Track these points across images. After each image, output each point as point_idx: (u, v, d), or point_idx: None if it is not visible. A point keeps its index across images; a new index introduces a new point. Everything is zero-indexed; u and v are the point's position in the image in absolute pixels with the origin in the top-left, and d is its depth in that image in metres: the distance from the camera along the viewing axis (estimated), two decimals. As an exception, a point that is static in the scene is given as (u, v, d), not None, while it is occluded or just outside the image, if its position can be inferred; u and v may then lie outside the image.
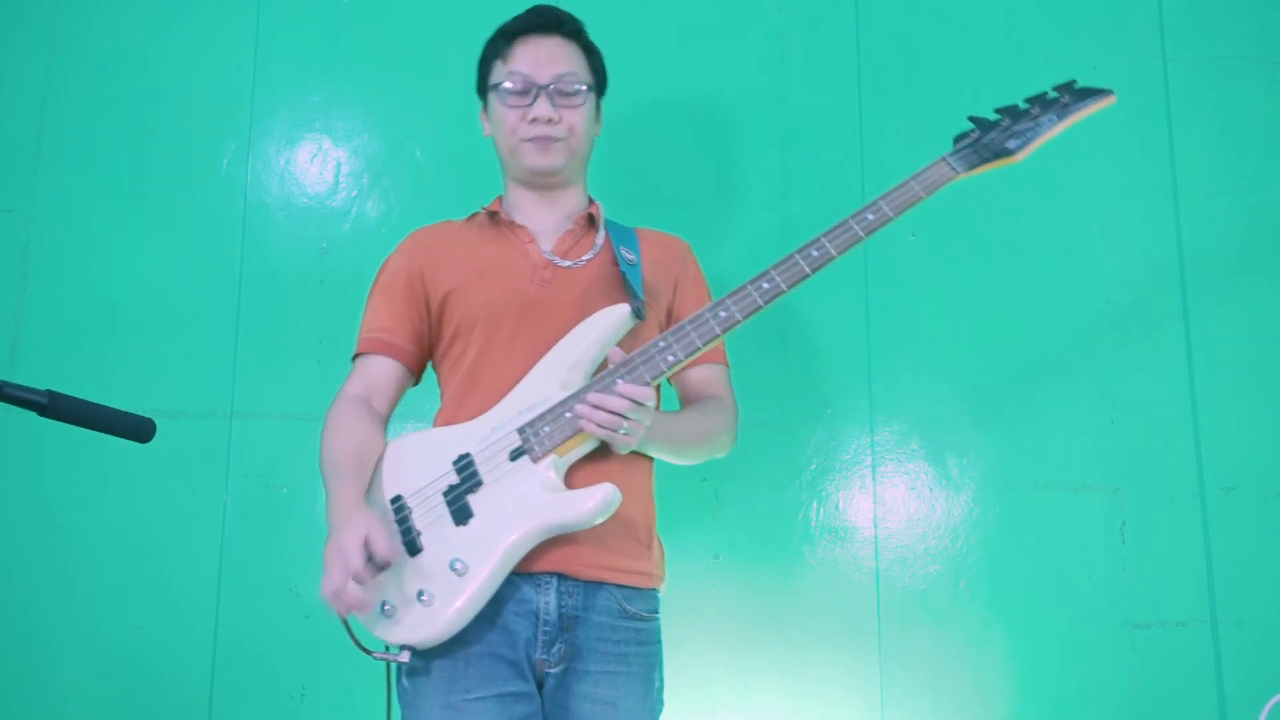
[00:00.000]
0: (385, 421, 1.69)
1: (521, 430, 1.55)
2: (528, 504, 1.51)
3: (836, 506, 2.31)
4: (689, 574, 2.22)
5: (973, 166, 1.63)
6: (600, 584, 1.56)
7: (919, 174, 1.63)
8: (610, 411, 1.50)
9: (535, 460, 1.53)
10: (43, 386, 1.14)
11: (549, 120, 1.69)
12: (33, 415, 1.12)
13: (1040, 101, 1.69)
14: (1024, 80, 2.50)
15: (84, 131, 2.45)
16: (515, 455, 1.54)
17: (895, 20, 2.51)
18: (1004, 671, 2.24)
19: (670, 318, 1.76)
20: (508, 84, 1.71)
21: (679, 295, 1.79)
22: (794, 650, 2.24)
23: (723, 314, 1.58)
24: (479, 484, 1.54)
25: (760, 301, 1.57)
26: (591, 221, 1.77)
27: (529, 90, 1.70)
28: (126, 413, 1.21)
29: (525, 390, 1.59)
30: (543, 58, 1.71)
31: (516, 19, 1.76)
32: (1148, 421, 2.35)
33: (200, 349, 2.35)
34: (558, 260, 1.70)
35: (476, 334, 1.64)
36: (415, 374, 1.75)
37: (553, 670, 1.52)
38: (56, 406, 1.12)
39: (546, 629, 1.52)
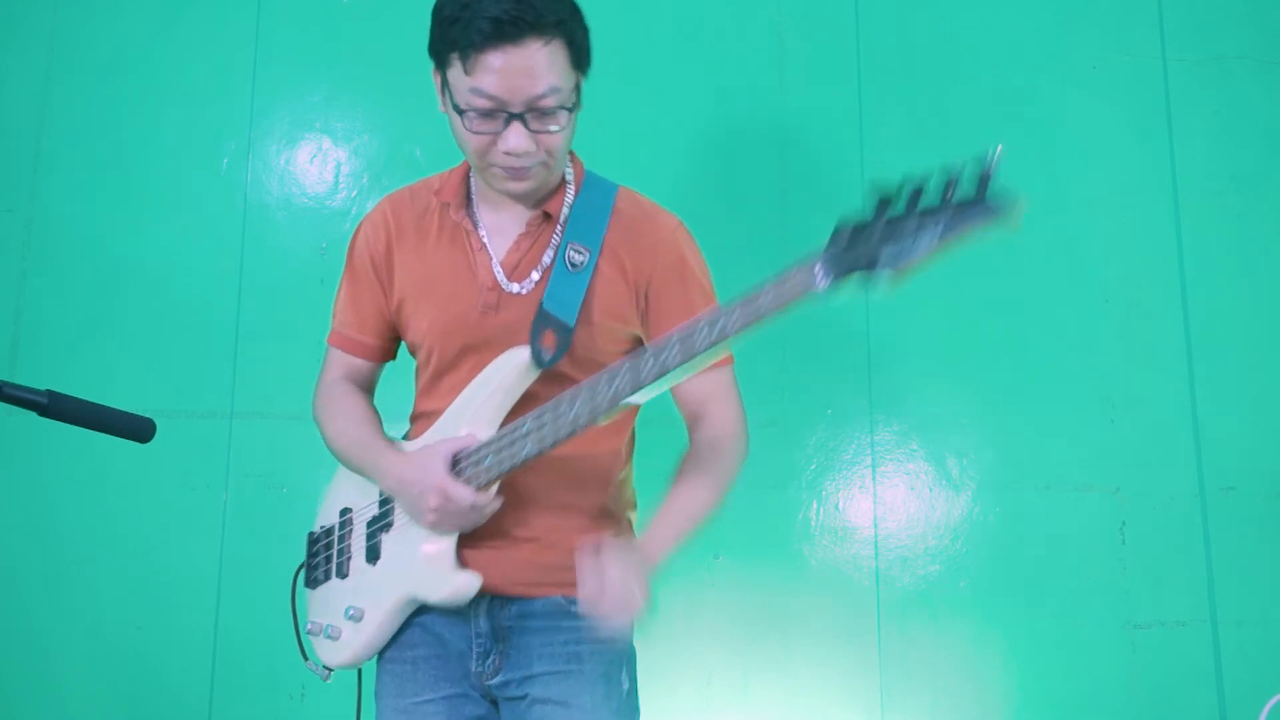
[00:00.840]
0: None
1: None
2: (406, 569, 1.45)
3: (836, 506, 2.31)
4: (689, 574, 2.22)
5: (839, 277, 1.28)
6: (534, 598, 1.48)
7: (778, 281, 1.26)
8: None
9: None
10: (43, 386, 1.14)
11: (525, 152, 1.39)
12: (33, 415, 1.12)
13: (918, 209, 1.28)
14: (1024, 80, 2.52)
15: (84, 131, 2.44)
16: None
17: (895, 20, 2.50)
18: (1004, 671, 2.24)
19: (648, 329, 1.53)
20: (472, 105, 1.38)
21: (653, 304, 1.52)
22: (794, 650, 2.24)
23: (574, 412, 1.35)
24: (390, 525, 1.50)
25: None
26: (548, 219, 1.51)
27: (498, 114, 1.38)
28: (126, 413, 1.21)
29: (439, 431, 1.48)
30: (516, 75, 1.35)
31: (483, 11, 1.34)
32: (1148, 421, 2.35)
33: (200, 349, 2.35)
34: (504, 283, 1.49)
35: (426, 353, 1.55)
36: (391, 355, 1.67)
37: (492, 681, 1.47)
38: (56, 406, 1.12)
39: (480, 641, 1.47)
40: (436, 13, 1.44)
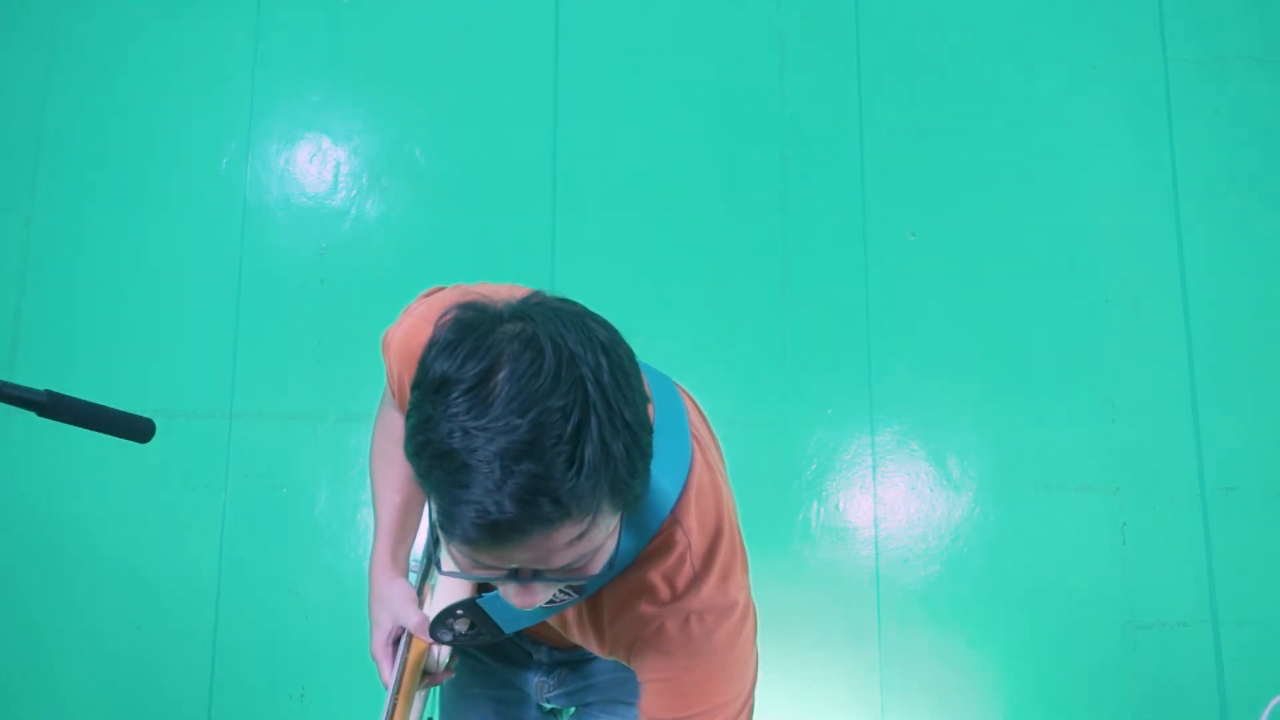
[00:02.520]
0: None
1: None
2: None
3: (836, 506, 2.31)
4: (689, 574, 2.22)
5: None
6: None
7: None
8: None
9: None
10: (43, 386, 1.13)
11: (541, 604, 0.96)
12: (32, 415, 1.12)
13: None
14: (1024, 80, 2.52)
15: (84, 131, 2.44)
16: None
17: (895, 20, 2.50)
18: (1004, 671, 2.24)
19: None
20: (447, 564, 1.00)
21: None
22: (794, 650, 2.23)
23: None
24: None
25: None
26: None
27: (503, 574, 0.91)
28: (126, 413, 1.20)
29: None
30: (526, 559, 0.87)
31: (471, 506, 0.81)
32: (1148, 421, 2.35)
33: (200, 349, 2.35)
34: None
35: None
36: None
37: (554, 693, 1.44)
38: (56, 406, 1.11)
39: (541, 667, 1.44)
40: (410, 439, 0.85)
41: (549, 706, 1.47)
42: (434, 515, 0.85)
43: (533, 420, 0.78)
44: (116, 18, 2.49)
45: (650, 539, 1.02)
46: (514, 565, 0.87)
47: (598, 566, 0.91)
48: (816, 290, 2.39)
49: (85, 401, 1.14)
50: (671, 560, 1.02)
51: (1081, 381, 2.36)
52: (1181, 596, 2.28)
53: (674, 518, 1.02)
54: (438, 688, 1.39)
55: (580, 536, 0.84)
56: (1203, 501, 2.32)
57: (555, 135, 2.44)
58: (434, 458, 0.81)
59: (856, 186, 2.42)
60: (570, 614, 1.14)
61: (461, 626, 1.14)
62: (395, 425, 1.34)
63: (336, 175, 2.45)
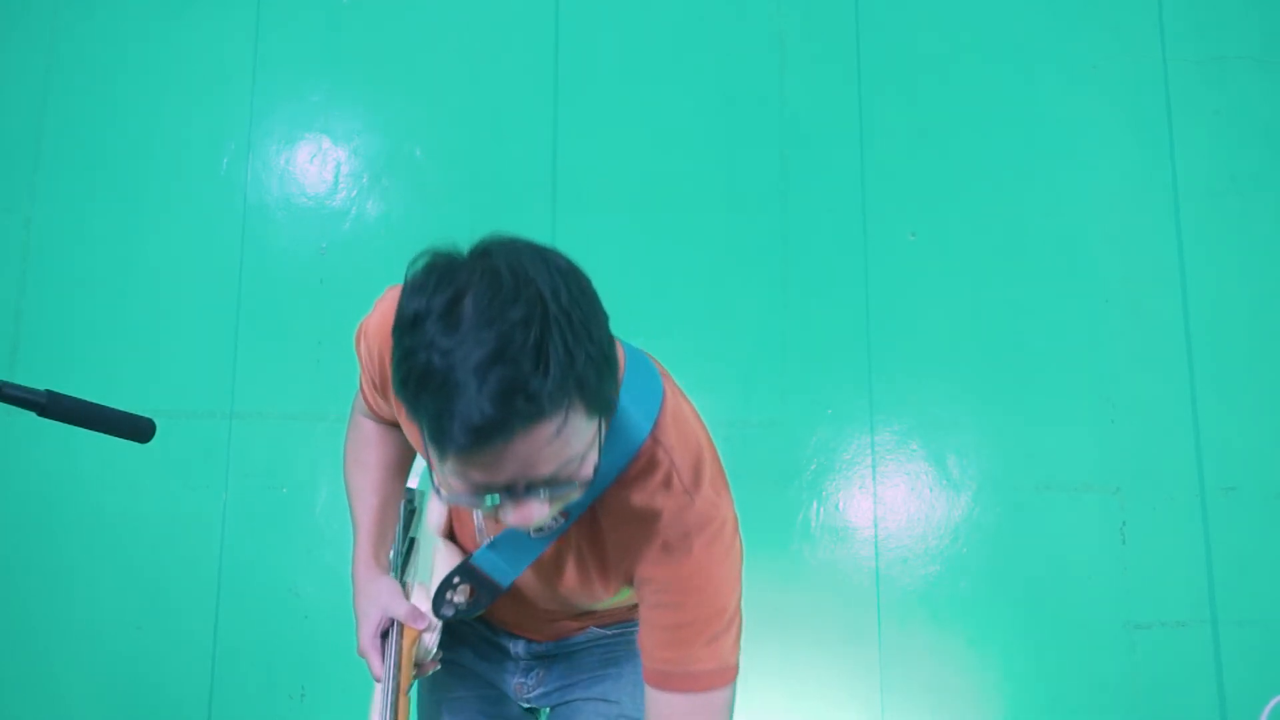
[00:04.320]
0: None
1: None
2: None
3: (836, 506, 2.31)
4: (689, 574, 2.22)
5: None
6: (572, 636, 1.40)
7: None
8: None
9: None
10: (43, 386, 1.14)
11: (532, 524, 1.00)
12: (32, 415, 1.12)
13: None
14: (1024, 80, 2.52)
15: (84, 131, 2.44)
16: None
17: (895, 20, 2.51)
18: (1004, 671, 2.24)
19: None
20: (450, 487, 0.98)
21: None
22: (794, 650, 2.24)
23: None
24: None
25: None
26: None
27: (481, 494, 0.97)
28: (126, 413, 1.20)
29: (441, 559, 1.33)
30: (509, 466, 0.93)
31: (457, 416, 0.88)
32: (1148, 421, 2.35)
33: (200, 349, 2.35)
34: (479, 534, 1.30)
35: None
36: None
37: (534, 694, 1.44)
38: (56, 406, 1.11)
39: (521, 663, 1.44)
40: (397, 346, 0.93)
41: (527, 706, 1.48)
42: (427, 443, 0.93)
43: (498, 331, 0.87)
44: (116, 18, 2.49)
45: (632, 458, 1.09)
46: (505, 478, 0.93)
47: (583, 475, 0.97)
48: (816, 290, 2.40)
49: (85, 401, 1.14)
50: (658, 478, 1.10)
51: (1081, 381, 2.36)
52: (1181, 596, 2.28)
53: (653, 438, 1.10)
54: (414, 694, 1.39)
55: (557, 434, 0.91)
56: (1202, 501, 2.32)
57: (555, 135, 2.44)
58: (419, 381, 0.89)
59: (856, 186, 2.42)
60: (570, 560, 1.18)
61: (461, 597, 1.17)
62: (367, 431, 1.39)
63: (336, 175, 2.45)
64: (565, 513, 1.11)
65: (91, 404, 1.15)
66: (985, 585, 2.28)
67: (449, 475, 0.95)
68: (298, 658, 2.24)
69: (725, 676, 1.13)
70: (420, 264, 0.94)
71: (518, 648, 1.43)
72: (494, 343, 0.87)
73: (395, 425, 1.38)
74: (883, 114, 2.46)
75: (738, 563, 1.14)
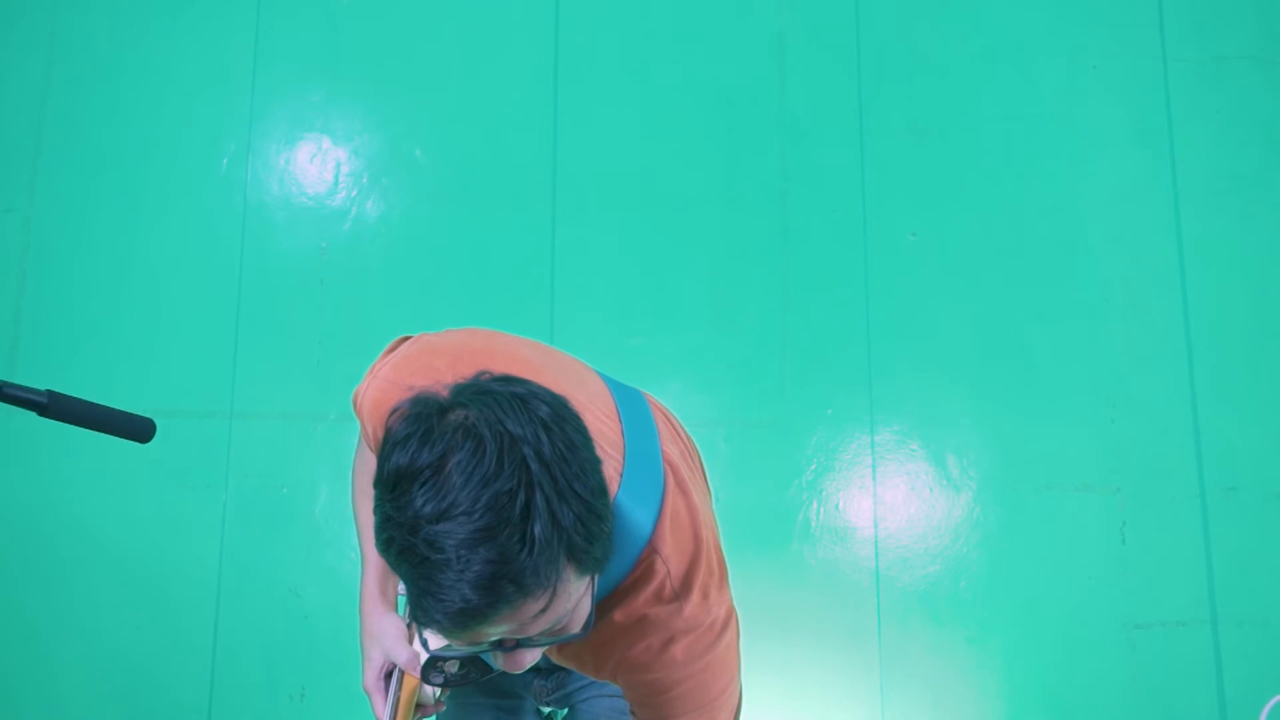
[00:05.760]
0: None
1: None
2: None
3: (836, 506, 2.31)
4: (689, 574, 2.22)
5: None
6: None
7: None
8: None
9: None
10: (43, 386, 1.13)
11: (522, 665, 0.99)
12: (33, 415, 1.12)
13: None
14: (1024, 80, 2.52)
15: (84, 131, 2.44)
16: None
17: (895, 20, 2.51)
18: (1004, 671, 2.24)
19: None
20: (434, 643, 0.97)
21: None
22: (794, 650, 2.23)
23: None
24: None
25: None
26: None
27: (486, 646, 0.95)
28: (126, 413, 1.20)
29: None
30: (484, 636, 0.90)
31: (440, 599, 0.85)
32: (1148, 421, 2.35)
33: (200, 349, 2.35)
34: None
35: None
36: None
37: (553, 696, 1.46)
38: (56, 406, 1.11)
39: (539, 672, 1.45)
40: (378, 512, 0.89)
41: (547, 710, 1.48)
42: (409, 602, 0.88)
43: (484, 507, 0.82)
44: (116, 18, 2.49)
45: (629, 570, 1.06)
46: (494, 639, 0.90)
47: (576, 625, 0.94)
48: (816, 290, 2.40)
49: (85, 401, 1.14)
50: (652, 587, 1.06)
51: (1081, 381, 2.36)
52: (1181, 596, 2.28)
53: (651, 547, 1.06)
54: None
55: (547, 606, 0.87)
56: (1202, 501, 2.32)
57: (555, 135, 2.44)
58: (398, 555, 0.85)
59: (856, 186, 2.42)
60: (558, 652, 1.16)
61: (451, 668, 1.15)
62: (374, 462, 1.36)
63: (336, 175, 2.45)
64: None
65: (92, 404, 1.15)
66: (985, 585, 2.28)
67: (430, 634, 0.93)
68: (298, 658, 2.24)
69: None
70: (403, 415, 0.89)
71: (540, 660, 1.43)
72: (480, 520, 0.82)
73: None
74: (883, 113, 2.46)
75: (725, 659, 1.12)
